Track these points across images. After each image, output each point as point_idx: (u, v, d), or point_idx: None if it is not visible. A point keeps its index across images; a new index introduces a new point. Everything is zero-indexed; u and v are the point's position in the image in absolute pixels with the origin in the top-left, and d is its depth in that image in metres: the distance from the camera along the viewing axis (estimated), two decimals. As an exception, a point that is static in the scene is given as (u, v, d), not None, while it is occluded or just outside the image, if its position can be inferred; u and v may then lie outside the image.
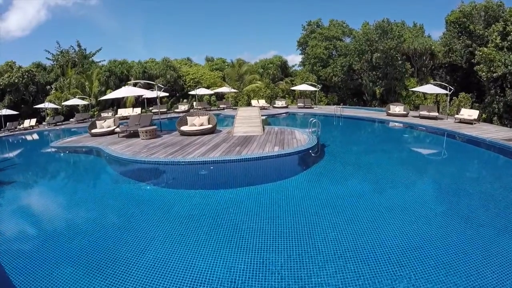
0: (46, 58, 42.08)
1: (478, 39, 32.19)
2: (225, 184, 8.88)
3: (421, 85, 36.23)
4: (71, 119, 31.49)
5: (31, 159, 14.77)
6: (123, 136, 15.96)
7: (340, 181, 8.74)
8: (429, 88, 24.65)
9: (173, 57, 47.66)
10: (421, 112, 22.23)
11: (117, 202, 7.70)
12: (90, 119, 29.91)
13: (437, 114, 22.23)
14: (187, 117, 15.74)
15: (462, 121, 19.54)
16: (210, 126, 14.95)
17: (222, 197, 7.56)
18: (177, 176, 9.73)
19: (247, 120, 16.32)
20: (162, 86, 15.52)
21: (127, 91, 16.65)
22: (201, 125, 15.25)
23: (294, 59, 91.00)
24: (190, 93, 34.17)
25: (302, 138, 12.35)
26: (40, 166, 13.25)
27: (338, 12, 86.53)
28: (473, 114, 19.89)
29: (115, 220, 6.57)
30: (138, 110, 30.70)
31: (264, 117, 24.84)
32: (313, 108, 30.89)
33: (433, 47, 35.59)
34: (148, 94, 17.74)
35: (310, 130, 13.39)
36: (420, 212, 6.40)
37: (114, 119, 19.01)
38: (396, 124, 20.80)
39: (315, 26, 43.18)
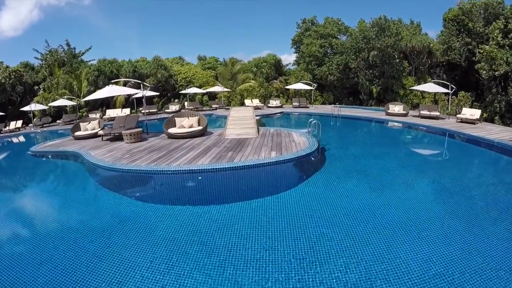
0: (35, 57, 40.75)
1: (477, 37, 31.44)
2: (215, 198, 7.70)
3: (419, 84, 35.43)
4: (58, 121, 30.18)
5: (2, 165, 13.53)
6: (107, 140, 14.77)
7: (348, 193, 7.64)
8: (430, 87, 23.74)
9: (167, 57, 46.72)
10: (421, 112, 21.31)
11: (88, 220, 6.52)
12: (77, 120, 28.63)
13: (438, 113, 21.36)
14: (175, 118, 14.61)
15: (464, 121, 18.76)
16: (200, 128, 13.83)
17: (210, 215, 6.41)
18: (159, 188, 8.57)
19: (240, 121, 15.23)
20: (148, 85, 14.26)
21: (110, 91, 15.41)
22: (191, 126, 14.13)
23: (288, 58, 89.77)
24: (181, 92, 32.92)
25: (301, 141, 11.28)
26: (9, 174, 11.95)
27: (333, 10, 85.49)
28: (476, 113, 19.12)
29: (84, 244, 5.40)
30: (127, 111, 29.47)
31: (258, 117, 23.82)
32: (308, 107, 29.88)
33: (431, 45, 34.74)
34: (133, 93, 16.50)
35: (309, 130, 12.21)
36: (446, 232, 5.35)
37: (99, 121, 17.79)
38: (397, 124, 19.88)
39: (310, 24, 42.20)
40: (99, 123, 17.64)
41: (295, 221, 5.86)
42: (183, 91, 31.65)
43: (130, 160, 9.89)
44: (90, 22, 75.86)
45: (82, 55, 42.41)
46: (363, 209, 6.47)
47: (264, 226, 5.65)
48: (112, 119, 26.95)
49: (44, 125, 28.62)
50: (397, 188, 7.93)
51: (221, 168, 8.38)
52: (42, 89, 36.95)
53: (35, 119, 30.44)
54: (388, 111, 22.56)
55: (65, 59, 40.24)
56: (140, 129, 14.06)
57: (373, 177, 8.87)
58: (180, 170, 8.37)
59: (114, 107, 35.29)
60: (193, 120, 14.32)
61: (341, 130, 19.49)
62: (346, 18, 49.96)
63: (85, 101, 35.23)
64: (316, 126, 11.72)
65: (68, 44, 41.35)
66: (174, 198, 7.90)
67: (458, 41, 33.47)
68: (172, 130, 13.69)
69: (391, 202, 6.99)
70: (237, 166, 8.40)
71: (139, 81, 15.23)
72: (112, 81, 17.74)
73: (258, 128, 14.08)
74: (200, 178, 8.29)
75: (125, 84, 36.47)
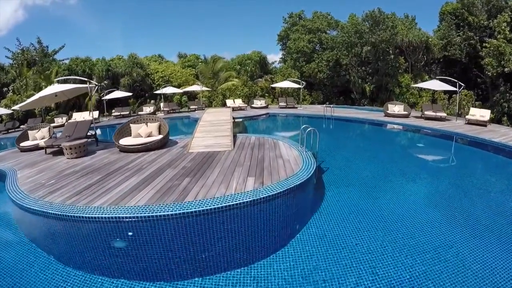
0: (6, 56, 37.20)
1: (479, 31, 29.02)
2: (148, 271, 4.65)
3: (416, 81, 32.95)
4: (22, 126, 26.63)
5: None
6: (50, 153, 11.61)
7: (367, 258, 4.61)
8: (436, 85, 20.91)
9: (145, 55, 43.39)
10: (426, 112, 18.59)
11: None
12: (42, 124, 25.25)
13: (444, 114, 18.69)
14: (131, 125, 11.42)
15: (474, 123, 16.42)
16: (159, 137, 10.66)
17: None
18: (69, 246, 5.46)
19: (213, 126, 12.13)
20: (96, 84, 10.93)
21: (50, 91, 12.18)
22: (149, 135, 10.99)
23: (275, 58, 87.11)
24: (155, 92, 29.67)
25: (291, 156, 8.20)
26: None
27: (321, 6, 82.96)
28: (486, 114, 16.83)
29: None
30: (95, 114, 25.95)
31: (240, 120, 20.85)
32: (296, 108, 26.90)
33: (430, 40, 32.16)
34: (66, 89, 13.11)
35: (304, 136, 8.95)
36: None
37: (49, 128, 14.53)
38: (398, 127, 17.10)
39: (297, 19, 39.30)
40: (49, 130, 14.39)
41: None
42: (157, 91, 28.37)
43: (50, 190, 6.71)
44: (74, 21, 77.12)
45: (54, 54, 38.76)
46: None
47: None
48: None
49: (9, 131, 25.18)
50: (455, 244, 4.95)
51: (159, 215, 4.90)
52: (11, 91, 33.84)
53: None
54: (387, 111, 19.83)
55: (36, 58, 36.66)
56: (83, 141, 10.84)
57: (402, 223, 5.84)
58: (95, 217, 5.09)
59: (86, 109, 32.04)
60: (153, 127, 11.18)
61: (337, 136, 16.47)
62: (336, 13, 47.18)
63: (55, 104, 32.40)
64: (311, 134, 8.62)
65: (39, 42, 37.73)
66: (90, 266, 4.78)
67: (458, 35, 31.03)
68: (124, 141, 10.49)
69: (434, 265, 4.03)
70: (188, 212, 4.92)
71: (84, 79, 11.92)
72: (56, 79, 14.46)
73: (234, 137, 11.03)
74: (130, 234, 5.08)
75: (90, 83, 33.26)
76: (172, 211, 4.92)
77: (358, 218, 5.93)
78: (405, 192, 7.53)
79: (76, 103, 34.17)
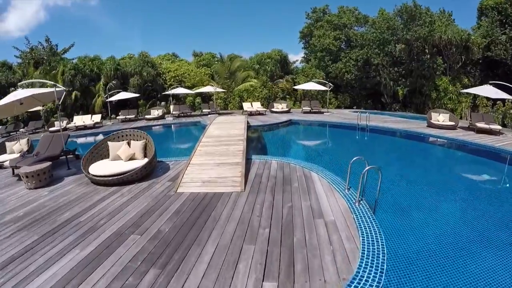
0: (14, 56, 35.37)
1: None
2: None
3: (454, 85, 29.17)
4: (21, 129, 24.42)
5: None
6: (17, 175, 9.02)
7: None
8: (489, 91, 16.70)
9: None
10: (477, 124, 15.05)
11: None
12: (20, 135, 22.91)
13: (499, 127, 15.08)
14: (109, 142, 8.50)
15: None
16: (142, 163, 7.66)
17: None
18: None
19: (219, 146, 9.12)
20: (64, 88, 7.94)
21: (14, 97, 9.44)
22: (131, 158, 8.09)
23: (294, 58, 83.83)
24: (164, 93, 26.94)
25: (336, 214, 5.01)
26: None
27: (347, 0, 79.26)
28: None
29: None
30: (97, 118, 23.37)
31: (257, 126, 17.78)
32: (323, 113, 23.57)
33: (472, 37, 28.27)
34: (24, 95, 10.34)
35: (348, 177, 5.75)
36: None
37: (27, 140, 11.93)
38: (449, 143, 13.53)
39: (322, 14, 35.91)
40: (27, 143, 11.77)
41: None
42: (166, 92, 25.62)
43: None
44: (94, 22, 77.56)
45: (64, 52, 36.70)
46: None
47: None
48: (82, 128, 21.16)
49: (10, 133, 23.08)
50: None
51: None
52: None
53: (1, 127, 24.96)
54: (431, 121, 16.40)
55: (44, 57, 34.73)
56: (45, 166, 7.99)
57: None
58: None
59: (93, 111, 29.76)
60: (136, 146, 8.24)
61: (384, 158, 12.21)
62: (363, 8, 43.14)
63: (57, 106, 30.10)
64: (377, 174, 5.33)
65: (47, 41, 35.74)
66: None
67: (504, 33, 27.13)
68: (95, 169, 7.57)
69: None
70: None
71: (50, 82, 9.05)
72: (20, 83, 11.76)
73: (248, 162, 8.00)
74: None
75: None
76: None
77: None
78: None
79: (83, 104, 32.01)
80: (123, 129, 9.89)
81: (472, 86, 30.94)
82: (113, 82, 31.24)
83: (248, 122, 17.48)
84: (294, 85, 30.77)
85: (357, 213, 5.06)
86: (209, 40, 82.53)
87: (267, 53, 35.86)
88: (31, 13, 67.70)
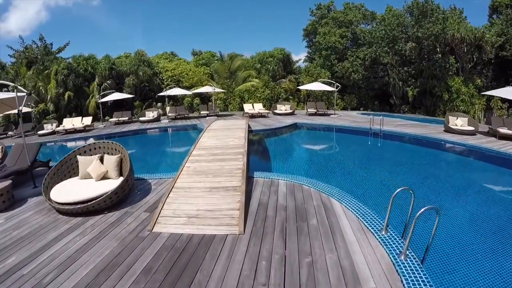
0: (8, 55, 33.96)
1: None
2: None
3: (467, 86, 27.47)
4: (10, 132, 22.87)
5: None
6: None
7: None
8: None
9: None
10: (499, 130, 13.44)
11: None
12: (30, 132, 21.45)
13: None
14: (79, 156, 6.90)
15: None
16: (114, 185, 6.04)
17: None
18: None
19: (212, 162, 7.42)
20: (25, 92, 6.16)
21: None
22: (103, 177, 6.50)
23: (296, 59, 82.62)
24: (159, 94, 25.32)
25: (379, 281, 3.50)
26: None
27: None
28: None
29: None
30: (88, 120, 21.69)
31: (260, 131, 16.15)
32: (330, 115, 21.90)
33: (487, 36, 26.59)
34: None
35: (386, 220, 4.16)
36: None
37: (1, 148, 10.42)
38: (471, 151, 11.84)
39: (326, 11, 34.22)
40: (1, 150, 10.23)
41: None
42: (161, 93, 24.01)
43: None
44: (95, 21, 77.34)
45: (59, 52, 35.18)
46: None
47: None
48: (73, 131, 19.56)
49: (1, 136, 21.64)
50: None
51: None
52: (11, 92, 30.29)
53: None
54: (449, 125, 14.80)
55: (38, 56, 33.28)
56: (5, 184, 6.41)
57: None
58: None
59: (87, 112, 28.24)
60: (110, 162, 6.62)
61: (424, 182, 9.05)
62: (369, 5, 41.10)
63: (54, 106, 28.77)
64: (408, 199, 3.71)
65: (41, 39, 34.26)
66: None
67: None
68: (57, 194, 5.95)
69: None
70: None
71: (14, 85, 7.43)
72: None
73: (249, 180, 6.38)
74: None
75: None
76: None
77: None
78: None
79: (77, 105, 30.47)
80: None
81: (484, 87, 29.41)
82: (108, 82, 29.69)
83: (249, 126, 15.87)
84: (298, 86, 29.12)
85: (405, 274, 3.45)
86: (209, 38, 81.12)
87: (269, 52, 34.25)
88: (31, 13, 67.23)
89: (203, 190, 5.89)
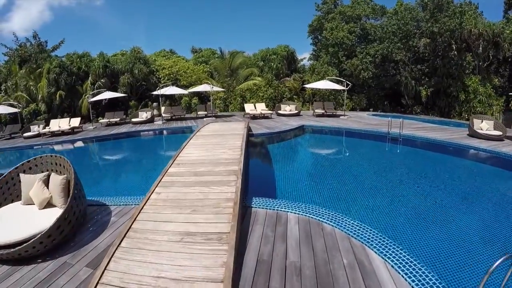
0: (2, 53, 32.94)
1: None
2: None
3: (484, 85, 25.57)
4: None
5: None
6: None
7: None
8: None
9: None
10: None
11: None
12: (18, 134, 19.66)
13: None
14: (21, 175, 5.10)
15: None
16: (54, 218, 4.24)
17: None
18: None
19: (192, 186, 5.49)
20: None
21: None
22: (48, 203, 4.72)
23: (300, 57, 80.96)
24: (153, 93, 23.52)
25: None
26: None
27: None
28: None
29: None
30: (76, 122, 19.86)
31: (262, 135, 14.25)
32: (339, 116, 19.99)
33: (507, 32, 24.69)
34: None
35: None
36: None
37: None
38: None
39: (332, 6, 32.35)
40: None
41: None
42: (155, 92, 22.22)
43: None
44: (97, 21, 77.62)
45: (54, 50, 33.63)
46: None
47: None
48: (59, 133, 17.83)
49: None
50: None
51: None
52: (3, 91, 29.75)
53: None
54: (474, 129, 12.95)
55: (32, 54, 31.81)
56: None
57: None
58: None
59: (79, 113, 26.68)
60: (56, 184, 4.81)
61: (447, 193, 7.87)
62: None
63: (46, 106, 27.24)
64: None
65: (35, 37, 32.76)
66: None
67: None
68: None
69: None
70: None
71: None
72: None
73: (245, 211, 4.58)
74: None
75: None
76: None
77: None
78: None
79: (71, 104, 28.88)
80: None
81: (502, 87, 27.63)
82: (102, 81, 28.05)
83: (250, 129, 13.99)
84: (303, 84, 27.25)
85: None
86: (209, 36, 79.56)
87: (273, 49, 32.42)
88: (32, 12, 66.85)
89: (172, 239, 3.86)
